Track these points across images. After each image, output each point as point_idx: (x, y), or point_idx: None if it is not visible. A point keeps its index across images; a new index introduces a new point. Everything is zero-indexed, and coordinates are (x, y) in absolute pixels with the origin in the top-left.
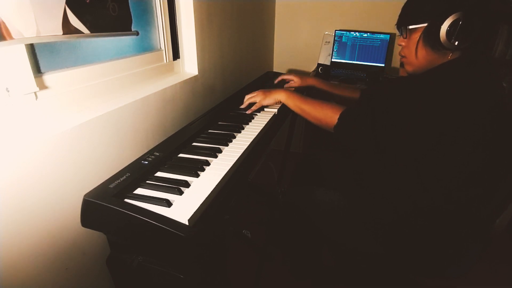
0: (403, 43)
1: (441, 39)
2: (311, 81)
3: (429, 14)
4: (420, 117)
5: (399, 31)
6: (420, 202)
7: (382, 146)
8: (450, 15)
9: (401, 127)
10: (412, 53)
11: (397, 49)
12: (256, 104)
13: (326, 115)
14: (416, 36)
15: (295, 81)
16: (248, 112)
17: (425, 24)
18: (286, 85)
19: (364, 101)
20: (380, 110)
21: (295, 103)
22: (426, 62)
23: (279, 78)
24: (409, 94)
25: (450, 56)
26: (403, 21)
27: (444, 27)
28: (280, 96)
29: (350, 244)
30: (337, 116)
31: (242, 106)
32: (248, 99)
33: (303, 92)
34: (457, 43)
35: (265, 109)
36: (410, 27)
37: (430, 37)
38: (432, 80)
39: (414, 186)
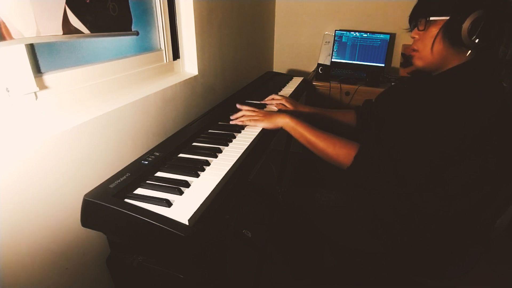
0: (417, 36)
1: (462, 35)
2: (304, 109)
3: (453, 7)
4: (439, 134)
5: (412, 23)
6: (419, 204)
7: (403, 175)
8: (474, 11)
9: (422, 152)
10: (427, 47)
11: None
12: (251, 122)
13: (339, 154)
14: (435, 29)
15: (287, 107)
16: (232, 122)
17: (447, 18)
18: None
19: (371, 136)
20: (397, 142)
21: (301, 134)
22: (441, 58)
23: (269, 98)
24: (423, 114)
25: (468, 54)
26: (423, 12)
27: (467, 23)
28: (283, 122)
29: (351, 245)
30: (352, 157)
31: (233, 119)
32: (244, 115)
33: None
34: (478, 41)
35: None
36: (431, 18)
37: (450, 31)
38: (446, 94)
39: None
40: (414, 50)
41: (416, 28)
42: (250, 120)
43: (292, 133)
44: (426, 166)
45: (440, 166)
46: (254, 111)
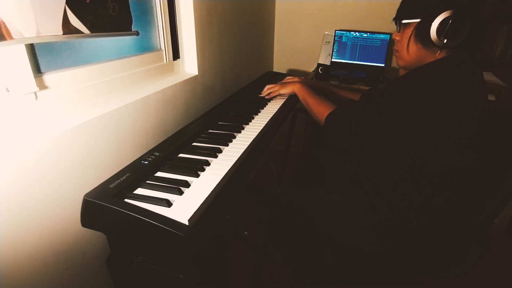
0: (397, 37)
1: (431, 35)
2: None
3: (422, 10)
4: (408, 122)
5: (396, 25)
6: (415, 202)
7: (367, 149)
8: (442, 13)
9: (389, 133)
10: (404, 48)
11: None
12: (274, 91)
13: (319, 112)
14: (409, 31)
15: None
16: (267, 97)
17: (418, 20)
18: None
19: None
20: (367, 115)
21: (303, 96)
22: (416, 57)
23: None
24: (396, 100)
25: (438, 54)
26: (398, 15)
27: (435, 24)
28: (294, 87)
29: (351, 244)
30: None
31: (262, 94)
32: (268, 88)
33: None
34: (446, 41)
35: (266, 108)
36: (404, 21)
37: (421, 33)
38: (419, 85)
39: (407, 185)
40: (396, 51)
41: (396, 30)
42: (273, 92)
43: (298, 95)
44: (391, 144)
45: (418, 158)
46: (275, 85)
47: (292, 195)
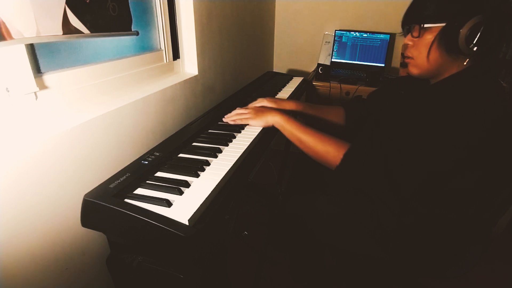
0: (411, 42)
1: (459, 43)
2: (290, 106)
3: (449, 14)
4: (438, 146)
5: (404, 29)
6: (419, 208)
7: (397, 182)
8: (473, 17)
9: (419, 164)
10: (422, 55)
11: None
12: (242, 121)
13: (328, 152)
14: (431, 36)
15: (266, 106)
16: (231, 122)
17: (443, 24)
18: None
19: (365, 133)
20: (394, 150)
21: (292, 132)
22: (437, 65)
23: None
24: (422, 125)
25: (466, 63)
26: (417, 18)
27: (464, 30)
28: (274, 120)
29: (351, 249)
30: (341, 156)
31: (226, 119)
32: (236, 114)
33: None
34: (476, 49)
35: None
36: (426, 25)
37: (446, 39)
38: (446, 106)
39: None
40: (409, 58)
41: (410, 34)
42: (241, 119)
43: (282, 131)
44: (422, 177)
45: (439, 177)
46: (246, 108)
47: (291, 203)
